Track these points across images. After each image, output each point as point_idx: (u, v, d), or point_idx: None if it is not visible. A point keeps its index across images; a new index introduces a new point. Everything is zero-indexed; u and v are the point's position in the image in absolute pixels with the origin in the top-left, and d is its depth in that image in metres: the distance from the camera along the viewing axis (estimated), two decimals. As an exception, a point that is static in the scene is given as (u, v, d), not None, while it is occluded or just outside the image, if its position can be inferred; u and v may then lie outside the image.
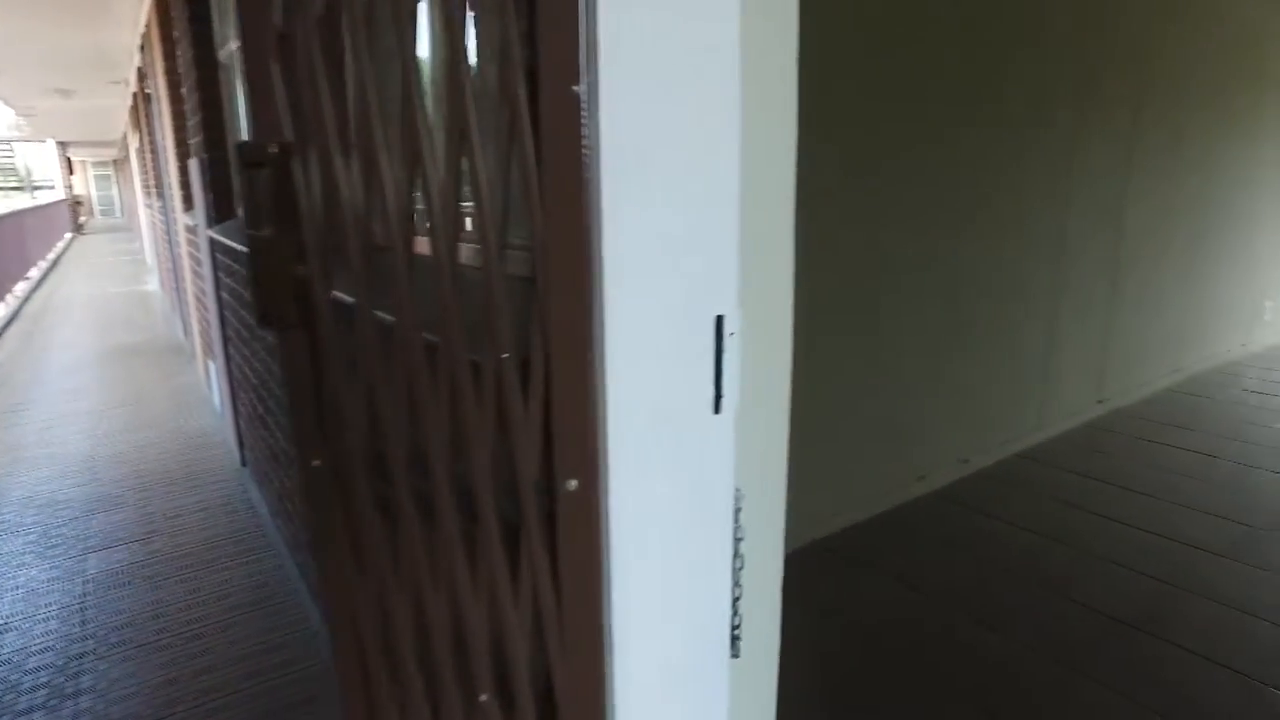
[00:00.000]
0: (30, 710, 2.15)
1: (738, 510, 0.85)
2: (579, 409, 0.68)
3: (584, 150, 0.63)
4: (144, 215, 12.19)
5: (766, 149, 0.82)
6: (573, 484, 0.69)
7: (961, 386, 3.35)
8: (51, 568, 2.96)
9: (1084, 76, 3.47)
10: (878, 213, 2.80)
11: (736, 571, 0.88)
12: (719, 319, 0.78)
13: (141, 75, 6.99)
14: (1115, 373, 4.21)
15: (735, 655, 0.92)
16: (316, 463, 0.77)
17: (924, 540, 2.92)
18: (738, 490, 0.85)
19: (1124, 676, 2.13)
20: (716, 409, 0.80)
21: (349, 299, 0.79)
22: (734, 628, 0.90)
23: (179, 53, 4.01)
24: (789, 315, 0.87)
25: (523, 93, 0.65)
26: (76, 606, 2.67)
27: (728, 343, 0.79)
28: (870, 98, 2.66)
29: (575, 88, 0.62)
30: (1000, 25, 3.05)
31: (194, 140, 3.85)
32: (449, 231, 0.70)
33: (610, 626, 0.76)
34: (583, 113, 0.63)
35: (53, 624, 2.57)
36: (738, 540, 0.86)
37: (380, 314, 0.80)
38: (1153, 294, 4.35)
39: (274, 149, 0.70)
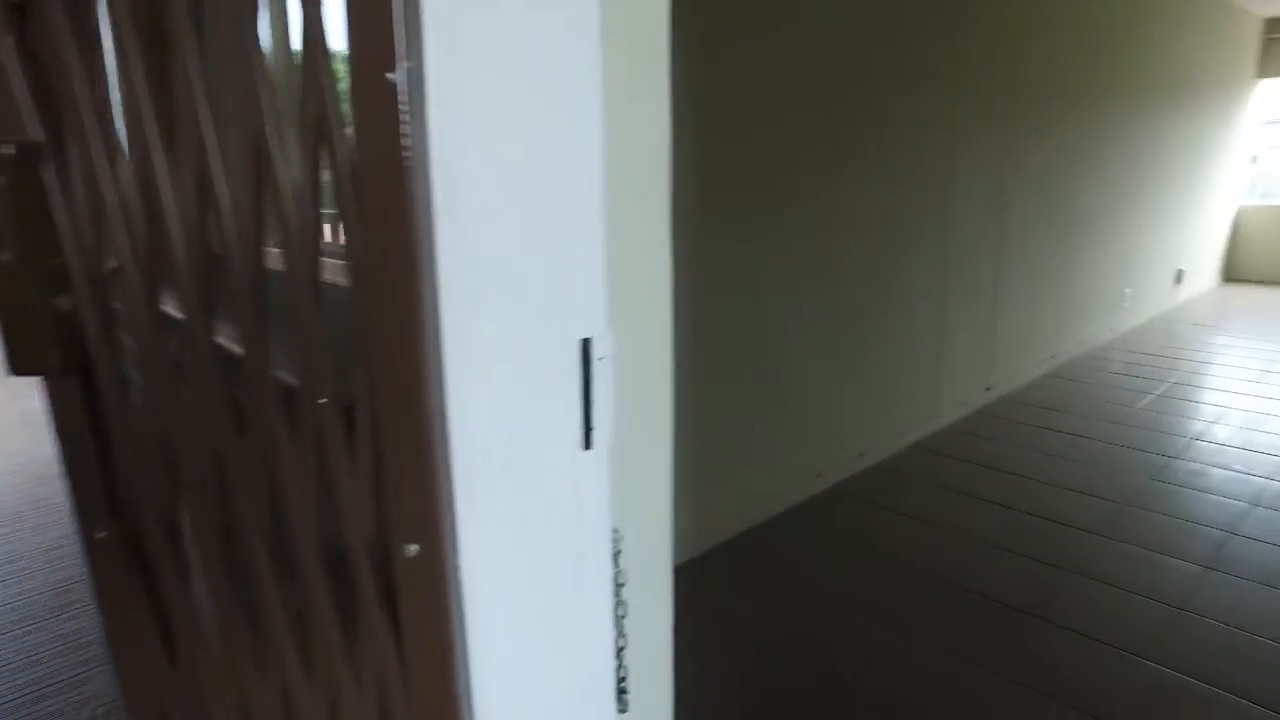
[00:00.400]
0: None
1: (617, 553, 0.76)
2: (415, 459, 0.57)
3: (404, 152, 0.52)
4: (-12, 219, 11.07)
5: (636, 145, 0.73)
6: (412, 549, 0.58)
7: (858, 382, 3.39)
8: None
9: (964, 76, 3.57)
10: (768, 212, 2.78)
11: (619, 620, 0.79)
12: (585, 342, 0.68)
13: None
14: (1001, 362, 4.39)
15: (623, 710, 0.83)
16: (103, 534, 0.63)
17: (823, 538, 2.93)
18: (616, 531, 0.76)
19: (1016, 664, 2.18)
20: (587, 444, 0.71)
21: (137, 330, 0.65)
22: (620, 680, 0.81)
23: None
24: (668, 332, 0.79)
25: (329, 81, 0.54)
26: (-110, 672, 2.32)
27: (597, 368, 0.70)
28: (755, 95, 2.64)
29: (390, 75, 0.51)
30: (881, 24, 3.09)
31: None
32: (250, 244, 0.58)
33: (470, 703, 0.66)
34: (402, 105, 0.52)
35: None
36: (619, 586, 0.77)
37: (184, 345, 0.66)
38: (1032, 287, 4.56)
39: (9, 150, 0.55)
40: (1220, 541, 2.80)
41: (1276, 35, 7.68)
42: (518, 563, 0.67)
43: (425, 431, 0.57)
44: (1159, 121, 5.95)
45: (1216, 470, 3.41)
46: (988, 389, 4.34)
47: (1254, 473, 3.37)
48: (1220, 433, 3.87)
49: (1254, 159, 8.60)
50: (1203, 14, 6.37)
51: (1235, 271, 8.43)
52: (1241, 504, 3.08)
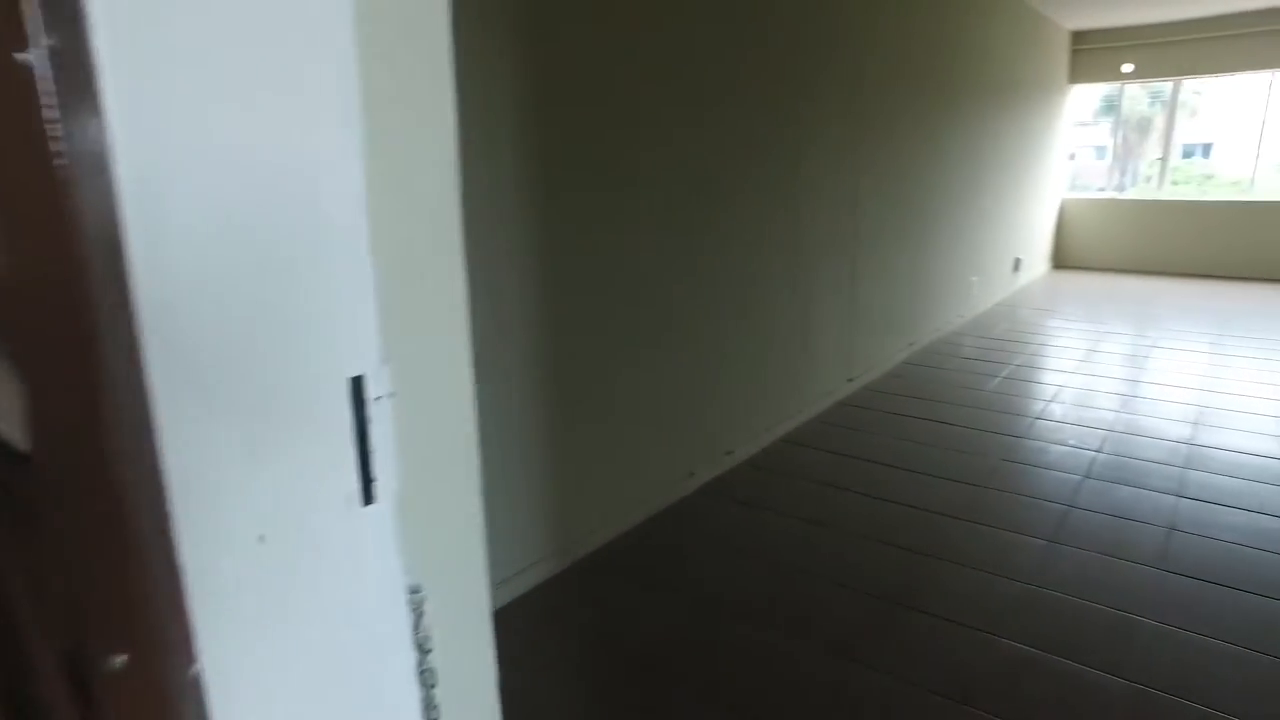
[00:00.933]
0: None
1: (419, 616, 0.66)
2: (111, 544, 0.45)
3: (58, 159, 0.40)
4: None
5: (412, 137, 0.64)
6: (119, 661, 0.46)
7: (726, 380, 3.41)
8: None
9: (807, 80, 3.67)
10: (627, 215, 2.73)
11: (428, 691, 0.68)
12: (356, 381, 0.58)
13: None
14: (861, 352, 4.55)
15: (442, 790, 0.73)
16: None
17: (696, 540, 2.91)
18: (416, 591, 0.66)
19: (886, 654, 2.22)
20: (368, 498, 0.60)
21: None
22: (435, 759, 0.71)
23: None
24: (466, 359, 0.69)
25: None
26: None
27: (374, 410, 0.59)
28: (608, 98, 2.58)
29: (21, 55, 0.39)
30: (729, 26, 3.11)
31: None
32: None
33: (227, 829, 0.54)
34: (44, 96, 0.40)
35: None
36: (424, 653, 0.67)
37: None
38: (887, 279, 4.76)
39: None
40: (1061, 515, 2.98)
41: (1081, 47, 8.45)
42: (285, 655, 0.55)
43: (123, 507, 0.45)
44: (992, 123, 6.38)
45: (1055, 447, 3.66)
46: (850, 380, 4.49)
47: (1085, 446, 3.63)
48: (1057, 410, 4.16)
49: (1071, 156, 9.45)
50: (1022, 27, 6.90)
51: (1062, 258, 9.21)
52: (1076, 477, 3.31)
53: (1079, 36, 8.44)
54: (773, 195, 3.53)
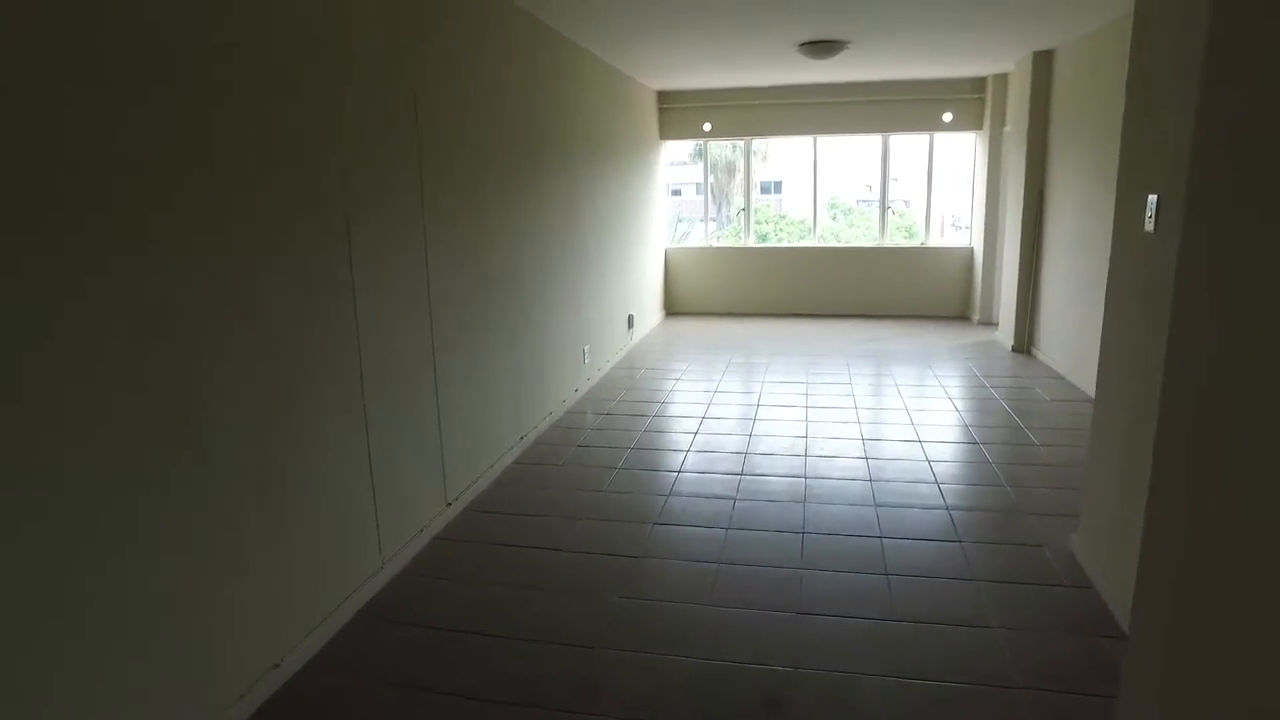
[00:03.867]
0: None
1: None
2: None
3: None
4: None
5: None
6: None
7: (257, 573, 2.39)
8: None
9: (361, 161, 2.83)
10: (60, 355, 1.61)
11: None
12: None
13: None
14: (457, 468, 3.80)
15: None
16: None
17: None
18: None
19: None
20: None
21: None
22: None
23: None
24: None
25: None
26: None
27: None
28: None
29: None
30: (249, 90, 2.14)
31: None
32: None
33: None
34: None
35: None
36: None
37: None
38: (482, 374, 4.09)
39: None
40: (686, 677, 2.50)
41: (667, 106, 8.91)
42: None
43: None
44: (594, 184, 6.18)
45: (673, 564, 3.26)
46: (450, 503, 3.71)
47: (703, 558, 3.28)
48: (675, 506, 3.83)
49: (676, 192, 10.02)
50: (616, 88, 6.89)
51: (673, 305, 9.61)
52: (696, 606, 2.90)
53: (665, 96, 8.86)
54: (310, 317, 2.60)
